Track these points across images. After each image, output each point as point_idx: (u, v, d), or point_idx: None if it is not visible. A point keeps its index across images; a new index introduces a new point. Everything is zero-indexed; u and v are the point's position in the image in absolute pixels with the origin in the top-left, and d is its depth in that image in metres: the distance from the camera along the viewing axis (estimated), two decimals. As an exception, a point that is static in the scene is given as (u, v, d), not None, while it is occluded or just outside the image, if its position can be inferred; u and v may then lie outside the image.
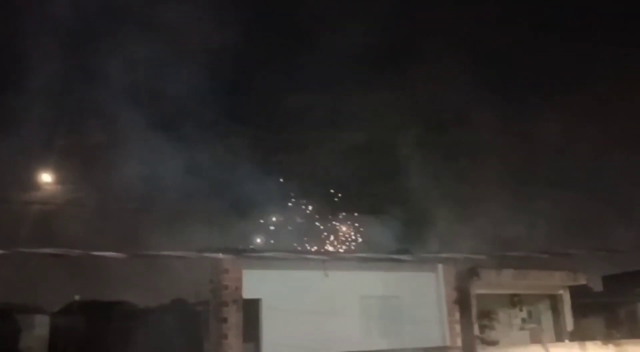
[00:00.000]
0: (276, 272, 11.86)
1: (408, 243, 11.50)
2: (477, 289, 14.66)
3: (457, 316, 14.17)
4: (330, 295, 12.62)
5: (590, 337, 15.22)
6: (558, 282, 15.62)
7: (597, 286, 18.91)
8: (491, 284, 14.83)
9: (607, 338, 14.48)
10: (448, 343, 13.80)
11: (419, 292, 13.98)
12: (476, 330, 14.57)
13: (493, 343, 15.01)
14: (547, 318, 16.66)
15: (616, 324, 16.58)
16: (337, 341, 12.23)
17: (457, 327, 14.07)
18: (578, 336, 15.67)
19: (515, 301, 16.35)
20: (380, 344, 12.98)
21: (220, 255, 10.30)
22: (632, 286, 17.02)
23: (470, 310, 14.44)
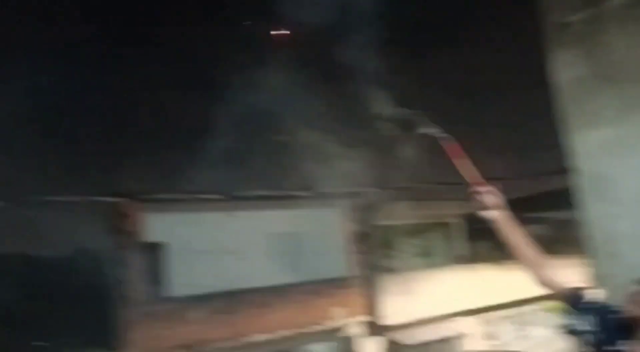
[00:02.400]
0: (180, 215, 11.81)
1: (307, 181, 11.75)
2: (377, 221, 15.37)
3: (358, 247, 14.84)
4: (236, 235, 12.77)
5: (481, 260, 16.52)
6: (452, 211, 16.67)
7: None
8: (391, 215, 15.60)
9: (495, 261, 15.76)
10: (349, 273, 14.48)
11: (322, 227, 14.46)
12: (376, 260, 15.37)
13: (392, 271, 15.92)
14: (442, 244, 17.83)
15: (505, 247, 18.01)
16: (244, 279, 12.50)
17: (359, 258, 14.77)
18: (470, 259, 16.96)
19: (413, 230, 17.31)
20: (285, 279, 13.40)
21: (119, 199, 10.08)
22: (521, 211, 18.48)
23: (369, 241, 15.17)
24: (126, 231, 11.03)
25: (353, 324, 14.26)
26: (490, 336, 16.98)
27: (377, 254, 15.44)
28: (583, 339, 2.11)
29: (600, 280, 4.03)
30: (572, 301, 2.18)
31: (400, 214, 15.82)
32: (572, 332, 2.16)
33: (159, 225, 11.63)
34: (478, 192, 2.35)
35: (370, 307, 14.55)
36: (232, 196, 12.25)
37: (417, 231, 17.41)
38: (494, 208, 2.33)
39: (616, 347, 1.97)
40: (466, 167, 2.36)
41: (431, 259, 17.71)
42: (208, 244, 12.14)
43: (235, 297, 12.25)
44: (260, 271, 12.99)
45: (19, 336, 10.52)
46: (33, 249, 12.27)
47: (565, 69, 4.03)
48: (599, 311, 2.11)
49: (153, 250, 11.59)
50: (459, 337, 15.96)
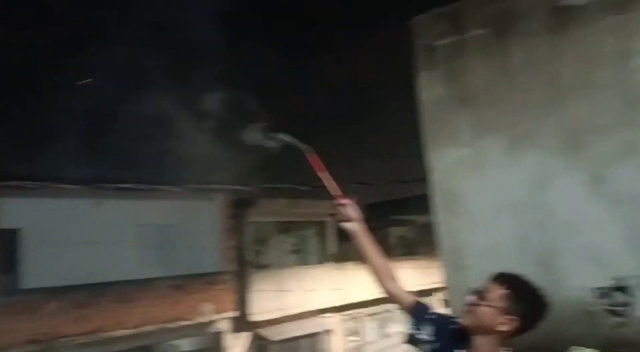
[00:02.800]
0: (40, 202, 11.03)
1: (184, 173, 11.43)
2: (252, 217, 15.37)
3: (232, 243, 14.75)
4: (103, 224, 12.15)
5: (350, 259, 17.09)
6: (325, 210, 17.06)
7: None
8: (265, 212, 15.66)
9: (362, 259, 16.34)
10: (222, 269, 14.34)
11: (196, 221, 14.19)
12: (247, 256, 15.37)
13: (264, 267, 16.01)
14: (314, 243, 18.21)
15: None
16: (110, 271, 11.93)
17: (231, 254, 14.67)
18: (340, 257, 17.47)
19: (287, 228, 17.53)
20: (152, 273, 12.99)
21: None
22: (387, 214, 19.38)
23: (244, 237, 15.14)
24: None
25: (221, 319, 14.15)
26: (354, 333, 17.64)
27: (249, 250, 15.44)
28: (421, 348, 2.24)
29: (449, 289, 4.32)
30: (416, 312, 2.30)
31: (275, 211, 15.94)
32: (411, 341, 2.28)
33: (15, 210, 10.80)
34: (338, 205, 2.44)
35: (240, 303, 14.51)
36: (98, 184, 11.61)
37: (290, 228, 17.65)
38: (351, 220, 2.41)
39: None
40: (328, 180, 2.44)
41: (303, 257, 18.02)
42: (71, 233, 11.44)
43: (98, 290, 11.65)
44: (126, 263, 12.46)
45: None
46: None
47: (429, 89, 4.28)
48: (438, 321, 2.24)
49: (8, 237, 10.73)
50: (324, 333, 16.40)
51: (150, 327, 12.41)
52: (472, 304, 2.06)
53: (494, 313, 2.00)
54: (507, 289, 2.00)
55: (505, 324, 1.98)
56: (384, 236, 19.93)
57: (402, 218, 20.92)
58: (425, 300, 2.49)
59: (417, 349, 2.26)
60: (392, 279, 2.38)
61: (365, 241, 2.39)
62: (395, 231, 21.24)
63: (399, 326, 18.83)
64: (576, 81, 3.64)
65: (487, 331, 2.03)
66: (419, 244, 21.11)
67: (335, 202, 2.43)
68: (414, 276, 16.80)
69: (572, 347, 3.24)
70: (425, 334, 2.21)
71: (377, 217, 20.47)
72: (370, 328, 18.25)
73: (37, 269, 11.06)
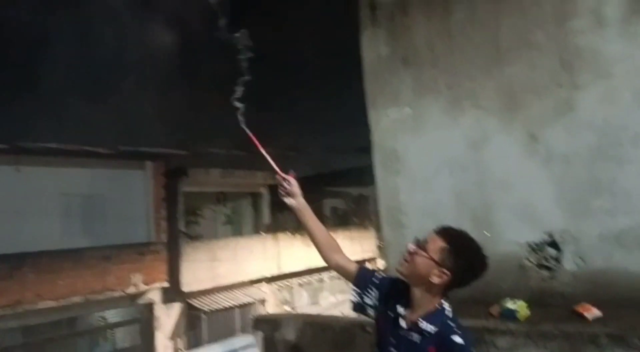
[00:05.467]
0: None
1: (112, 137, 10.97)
2: (185, 187, 15.07)
3: (164, 213, 14.43)
4: (24, 192, 11.56)
5: (283, 229, 17.14)
6: (259, 181, 16.98)
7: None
8: (199, 182, 15.38)
9: (295, 229, 16.48)
10: (153, 239, 14.04)
11: (126, 190, 13.76)
12: (182, 226, 15.09)
13: (197, 237, 15.79)
14: (248, 213, 18.12)
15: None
16: (33, 241, 11.41)
17: (163, 224, 14.37)
18: (273, 228, 17.49)
19: (220, 198, 17.32)
20: (82, 243, 12.55)
21: None
22: (321, 185, 19.53)
23: (177, 207, 14.83)
24: None
25: (152, 290, 13.89)
26: (285, 302, 17.81)
27: (181, 220, 15.16)
28: (368, 313, 2.26)
29: (388, 248, 4.38)
30: (360, 279, 2.30)
31: (208, 181, 15.68)
32: (357, 309, 2.29)
33: None
34: (280, 181, 2.45)
35: (172, 274, 14.29)
36: (19, 147, 10.97)
37: (225, 198, 17.44)
38: (293, 196, 2.42)
39: (396, 312, 2.11)
40: (268, 156, 2.46)
41: (237, 227, 17.91)
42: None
43: (19, 260, 11.12)
44: (50, 233, 11.97)
45: None
46: None
47: (372, 49, 4.25)
48: (382, 283, 2.25)
49: None
50: (257, 303, 16.46)
51: (76, 299, 12.01)
52: (410, 253, 2.08)
53: (429, 265, 2.02)
54: (447, 243, 2.03)
55: (438, 277, 2.01)
56: (318, 208, 20.11)
57: (336, 190, 21.15)
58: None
59: (365, 315, 2.28)
60: (336, 250, 2.39)
61: (308, 215, 2.42)
62: (330, 203, 21.47)
63: (330, 295, 19.20)
64: (515, 41, 3.70)
65: (421, 281, 2.05)
66: (353, 215, 21.47)
67: (277, 178, 2.46)
68: (348, 247, 17.08)
69: (504, 299, 3.36)
70: (370, 298, 2.23)
71: (312, 190, 20.71)
72: (302, 297, 18.48)
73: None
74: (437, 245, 2.04)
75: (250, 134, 2.46)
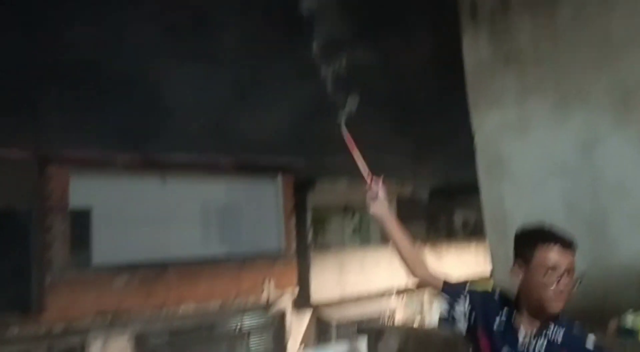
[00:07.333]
0: (109, 179, 11.52)
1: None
2: (314, 198, 15.46)
3: (294, 223, 14.89)
4: (169, 202, 12.55)
5: (415, 239, 16.90)
6: (389, 190, 16.90)
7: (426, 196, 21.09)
8: (326, 193, 15.71)
9: (425, 241, 16.19)
10: (284, 248, 14.52)
11: (259, 200, 14.41)
12: (310, 235, 15.48)
13: (325, 247, 16.09)
14: (375, 224, 18.08)
15: (436, 229, 18.66)
16: (175, 249, 12.32)
17: (293, 234, 14.82)
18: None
19: (347, 209, 17.51)
20: (219, 250, 13.31)
21: (42, 157, 9.72)
22: (452, 199, 19.03)
23: (305, 217, 15.25)
24: (49, 192, 10.69)
25: (284, 298, 14.35)
26: (415, 315, 17.47)
27: (312, 229, 15.54)
28: (458, 328, 2.16)
29: (493, 259, 4.18)
30: (447, 294, 2.21)
31: (338, 190, 15.94)
32: (445, 324, 2.21)
33: (85, 189, 11.31)
34: (368, 186, 2.37)
35: (302, 283, 14.66)
36: (165, 161, 11.97)
37: (353, 208, 17.60)
38: (380, 203, 2.34)
39: (492, 327, 2.02)
40: (359, 159, 2.39)
41: (365, 237, 17.96)
42: (138, 211, 11.90)
43: (163, 267, 12.09)
44: (190, 240, 12.84)
45: None
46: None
47: (473, 50, 4.12)
48: (472, 297, 2.15)
49: (78, 214, 11.28)
50: (387, 314, 16.34)
51: (213, 305, 12.76)
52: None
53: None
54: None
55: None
56: (450, 220, 19.63)
57: (466, 202, 20.46)
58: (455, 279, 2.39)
59: (454, 329, 2.19)
60: (423, 264, 2.28)
61: (394, 225, 2.31)
62: (460, 215, 20.80)
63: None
64: (628, 37, 3.39)
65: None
66: (466, 229, 20.60)
67: (365, 180, 2.38)
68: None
69: (625, 313, 3.06)
70: (459, 313, 2.14)
71: (441, 202, 20.24)
72: (433, 309, 18.02)
73: (107, 247, 11.56)
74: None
75: (347, 134, 2.41)
